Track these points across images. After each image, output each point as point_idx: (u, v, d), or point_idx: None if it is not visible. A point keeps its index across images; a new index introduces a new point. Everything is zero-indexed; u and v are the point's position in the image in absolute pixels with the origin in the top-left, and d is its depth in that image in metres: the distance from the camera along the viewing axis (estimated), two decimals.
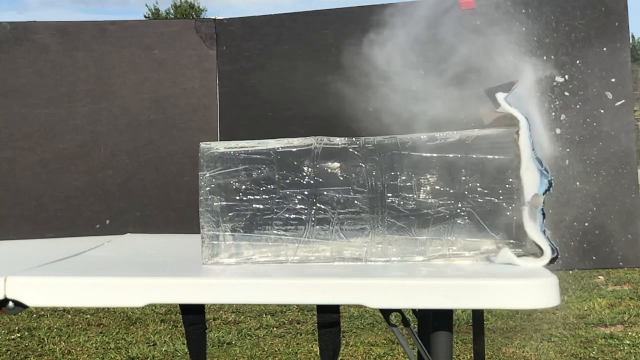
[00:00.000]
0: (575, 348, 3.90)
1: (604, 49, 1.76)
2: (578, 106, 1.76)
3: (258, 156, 1.45)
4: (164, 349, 4.03)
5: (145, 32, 2.10)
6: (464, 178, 1.44)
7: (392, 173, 1.45)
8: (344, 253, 1.44)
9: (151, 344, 4.15)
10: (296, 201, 1.44)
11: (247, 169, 1.45)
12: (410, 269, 1.39)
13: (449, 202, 1.44)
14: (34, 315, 4.74)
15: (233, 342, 4.12)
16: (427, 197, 1.45)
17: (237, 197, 1.45)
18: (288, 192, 1.44)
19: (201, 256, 1.44)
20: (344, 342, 3.98)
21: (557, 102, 1.75)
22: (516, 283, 1.25)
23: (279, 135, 1.50)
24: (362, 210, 1.44)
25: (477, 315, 1.72)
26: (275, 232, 1.44)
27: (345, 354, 3.85)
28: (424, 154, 1.45)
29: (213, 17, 2.11)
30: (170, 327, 4.46)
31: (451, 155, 1.45)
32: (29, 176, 2.04)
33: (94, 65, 2.07)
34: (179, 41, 2.08)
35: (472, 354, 1.89)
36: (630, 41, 1.94)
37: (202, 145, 1.47)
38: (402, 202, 1.44)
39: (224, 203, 1.45)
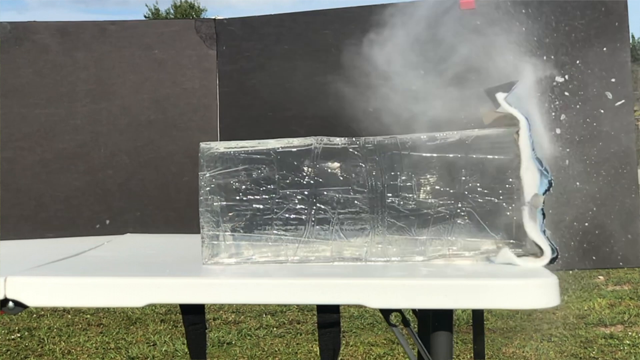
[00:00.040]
0: (575, 348, 3.90)
1: (604, 49, 1.76)
2: (578, 106, 1.76)
3: (258, 156, 1.45)
4: (164, 349, 4.03)
5: (145, 32, 2.10)
6: (464, 178, 1.44)
7: (392, 173, 1.45)
8: (344, 253, 1.44)
9: (151, 344, 4.15)
10: (296, 201, 1.44)
11: (247, 169, 1.45)
12: (410, 269, 1.39)
13: (449, 202, 1.44)
14: (34, 315, 4.74)
15: (233, 342, 4.12)
16: (427, 197, 1.45)
17: (237, 197, 1.45)
18: (288, 192, 1.44)
19: (201, 256, 1.44)
20: (344, 342, 3.98)
21: (557, 102, 1.75)
22: (516, 283, 1.25)
23: (279, 135, 1.50)
24: (362, 210, 1.44)
25: (477, 315, 1.72)
26: (275, 232, 1.44)
27: (345, 354, 3.85)
28: (424, 154, 1.45)
29: (213, 17, 2.11)
30: (170, 327, 4.46)
31: (451, 155, 1.45)
32: (29, 176, 2.04)
33: (94, 65, 2.07)
34: (179, 41, 2.08)
35: (472, 354, 1.89)
36: (630, 41, 1.94)
37: (202, 145, 1.47)
38: (402, 202, 1.44)
39: (224, 203, 1.45)
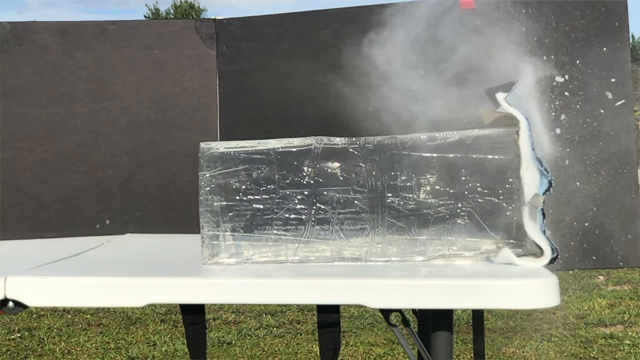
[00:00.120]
0: (575, 348, 3.90)
1: (604, 49, 1.76)
2: (578, 106, 1.76)
3: (258, 156, 1.45)
4: (164, 349, 4.03)
5: (145, 32, 2.10)
6: (464, 178, 1.44)
7: (392, 173, 1.45)
8: (344, 253, 1.44)
9: (151, 344, 4.15)
10: (296, 201, 1.44)
11: (247, 169, 1.45)
12: (410, 269, 1.39)
13: (449, 202, 1.44)
14: (34, 315, 4.74)
15: (233, 342, 4.12)
16: (427, 197, 1.45)
17: (237, 197, 1.45)
18: (288, 192, 1.44)
19: (201, 256, 1.44)
20: (344, 342, 3.98)
21: (557, 102, 1.75)
22: (516, 283, 1.25)
23: (279, 135, 1.50)
24: (362, 210, 1.44)
25: (477, 315, 1.72)
26: (275, 232, 1.44)
27: (345, 354, 3.85)
28: (424, 154, 1.45)
29: (213, 17, 2.11)
30: (170, 327, 4.46)
31: (451, 155, 1.45)
32: (29, 176, 2.04)
33: (94, 65, 2.07)
34: (179, 41, 2.08)
35: (472, 354, 1.89)
36: (630, 41, 1.94)
37: (202, 145, 1.47)
38: (402, 202, 1.44)
39: (224, 203, 1.45)
